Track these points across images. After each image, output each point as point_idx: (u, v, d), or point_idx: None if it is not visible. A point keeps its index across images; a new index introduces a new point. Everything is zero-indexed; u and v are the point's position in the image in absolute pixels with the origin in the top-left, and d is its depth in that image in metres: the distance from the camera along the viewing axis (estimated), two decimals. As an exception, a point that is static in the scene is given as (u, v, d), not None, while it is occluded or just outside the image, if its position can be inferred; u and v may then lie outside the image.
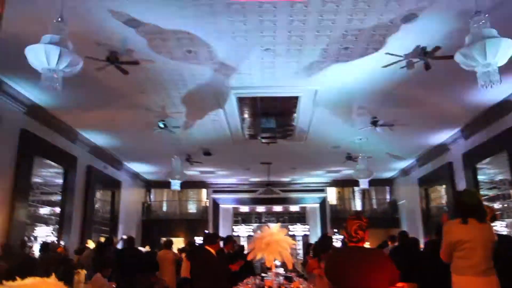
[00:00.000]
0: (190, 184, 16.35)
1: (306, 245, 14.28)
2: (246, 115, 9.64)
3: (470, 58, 4.63)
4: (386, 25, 5.69)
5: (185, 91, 7.94)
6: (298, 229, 19.60)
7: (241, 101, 8.66)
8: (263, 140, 10.03)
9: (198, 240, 13.31)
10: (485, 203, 9.61)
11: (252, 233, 18.53)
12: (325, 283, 3.33)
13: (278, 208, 20.52)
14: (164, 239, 9.86)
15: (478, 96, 7.81)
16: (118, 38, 5.92)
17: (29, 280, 1.14)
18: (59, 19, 4.60)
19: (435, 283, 4.96)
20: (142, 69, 6.84)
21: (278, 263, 6.40)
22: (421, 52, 6.19)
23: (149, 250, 11.29)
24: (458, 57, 4.83)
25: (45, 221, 9.89)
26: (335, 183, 17.55)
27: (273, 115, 9.44)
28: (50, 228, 9.92)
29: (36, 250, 8.41)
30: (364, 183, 11.83)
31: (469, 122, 9.52)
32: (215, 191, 18.06)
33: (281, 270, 10.25)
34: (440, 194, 12.62)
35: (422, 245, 7.61)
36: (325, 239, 7.13)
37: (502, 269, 3.38)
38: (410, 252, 6.60)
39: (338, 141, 11.20)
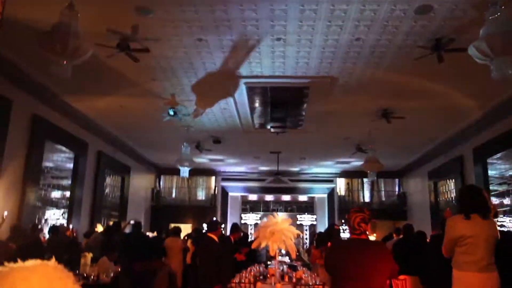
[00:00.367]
0: (200, 172, 16.47)
1: (313, 235, 14.34)
2: (256, 104, 9.63)
3: (484, 51, 4.56)
4: (399, 15, 5.61)
5: (195, 79, 7.95)
6: (306, 219, 19.67)
7: (251, 90, 8.64)
8: (272, 130, 10.03)
9: (206, 227, 13.45)
10: (494, 198, 9.65)
11: (259, 222, 18.65)
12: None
13: (286, 198, 20.57)
14: (172, 225, 9.97)
15: (490, 90, 7.70)
16: (129, 26, 5.93)
17: (30, 262, 1.16)
18: (69, 5, 4.61)
19: (437, 277, 4.97)
20: (153, 56, 6.85)
21: (283, 252, 6.47)
22: (434, 44, 6.11)
23: (156, 235, 11.41)
24: (471, 50, 4.76)
25: (55, 204, 10.05)
26: (344, 174, 17.51)
27: (283, 104, 9.41)
28: (61, 211, 10.09)
29: (46, 233, 8.57)
30: (372, 175, 11.78)
31: (481, 116, 9.40)
32: (224, 179, 18.14)
33: (286, 259, 10.35)
34: (449, 188, 12.53)
35: (429, 239, 7.60)
36: (330, 230, 7.15)
37: (503, 266, 3.37)
38: (413, 245, 6.61)
39: (348, 132, 11.15)
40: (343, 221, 16.18)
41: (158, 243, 9.16)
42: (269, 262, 7.77)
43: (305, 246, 18.02)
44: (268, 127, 10.15)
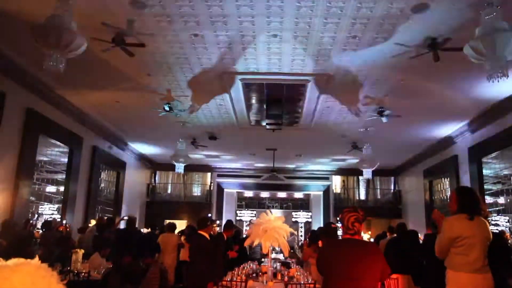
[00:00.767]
0: (195, 167, 16.45)
1: (308, 232, 14.33)
2: (252, 101, 9.60)
3: (479, 51, 4.56)
4: (395, 14, 5.59)
5: (191, 75, 7.91)
6: (301, 216, 19.67)
7: (247, 86, 8.61)
8: (268, 126, 10.01)
9: (196, 224, 13.41)
10: (489, 197, 9.68)
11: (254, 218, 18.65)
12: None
13: (282, 194, 20.56)
14: (167, 221, 9.93)
15: (486, 89, 7.71)
16: (124, 20, 5.88)
17: (12, 261, 1.14)
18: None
19: (429, 276, 4.97)
20: (148, 51, 6.81)
21: (277, 249, 6.47)
22: (430, 43, 6.10)
23: (150, 231, 11.38)
24: (467, 50, 4.76)
25: (49, 199, 10.00)
26: (340, 171, 17.55)
27: (279, 101, 9.39)
28: (55, 206, 10.05)
29: (39, 228, 8.53)
30: (367, 173, 11.78)
31: (477, 116, 9.42)
32: (220, 175, 18.13)
33: (280, 256, 10.34)
34: (445, 186, 12.57)
35: (423, 237, 7.63)
36: (327, 228, 7.13)
37: (493, 267, 3.38)
38: (406, 244, 6.62)
39: (344, 130, 11.14)
40: (338, 219, 16.21)
41: (151, 240, 9.11)
42: (262, 260, 7.76)
43: (300, 243, 18.03)
44: (264, 123, 10.13)
